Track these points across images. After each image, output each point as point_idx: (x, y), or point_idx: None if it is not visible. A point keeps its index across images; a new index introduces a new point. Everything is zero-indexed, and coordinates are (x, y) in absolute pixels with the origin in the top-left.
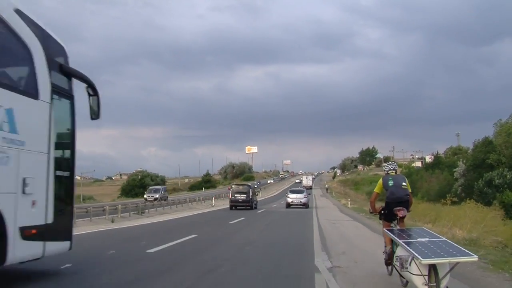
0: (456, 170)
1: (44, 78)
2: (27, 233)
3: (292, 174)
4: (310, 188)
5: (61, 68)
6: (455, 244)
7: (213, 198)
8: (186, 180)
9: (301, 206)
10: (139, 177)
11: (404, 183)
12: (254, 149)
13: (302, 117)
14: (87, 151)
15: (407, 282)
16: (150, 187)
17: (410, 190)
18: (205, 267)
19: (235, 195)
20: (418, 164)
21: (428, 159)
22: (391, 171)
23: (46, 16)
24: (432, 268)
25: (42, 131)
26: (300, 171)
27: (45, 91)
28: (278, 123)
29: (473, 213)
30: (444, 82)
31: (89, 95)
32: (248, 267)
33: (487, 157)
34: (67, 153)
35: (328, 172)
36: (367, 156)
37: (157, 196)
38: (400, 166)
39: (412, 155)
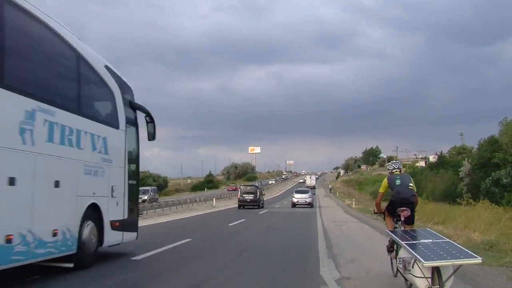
0: (461, 170)
1: (121, 113)
2: (114, 225)
3: (295, 174)
4: (313, 187)
5: (130, 104)
6: (459, 246)
7: (214, 199)
8: (189, 181)
9: (306, 206)
10: (141, 178)
11: (410, 184)
12: (257, 150)
13: (305, 117)
14: None
15: (410, 284)
16: (139, 188)
17: (415, 190)
18: (192, 279)
19: (243, 195)
20: (422, 164)
21: (432, 158)
22: (395, 170)
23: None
24: (436, 270)
25: (121, 152)
26: (303, 171)
27: (122, 122)
28: (280, 123)
29: (486, 214)
30: (447, 82)
31: (147, 122)
32: (242, 279)
33: (493, 156)
34: (134, 167)
35: (331, 172)
36: (371, 156)
37: (145, 197)
38: (403, 166)
39: (415, 155)
